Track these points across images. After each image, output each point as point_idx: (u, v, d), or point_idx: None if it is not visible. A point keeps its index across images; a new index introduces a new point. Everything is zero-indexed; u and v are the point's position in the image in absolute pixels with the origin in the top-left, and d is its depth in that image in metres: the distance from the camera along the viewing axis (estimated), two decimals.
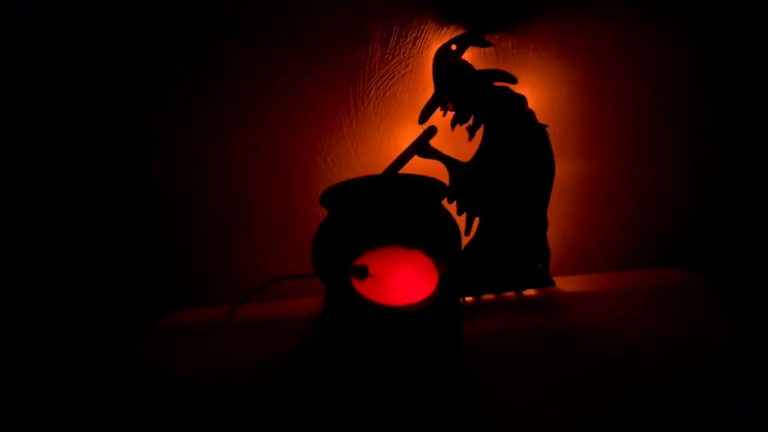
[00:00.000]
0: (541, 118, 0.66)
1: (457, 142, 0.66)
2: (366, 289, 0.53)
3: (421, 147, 0.64)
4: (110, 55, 0.61)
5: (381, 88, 0.66)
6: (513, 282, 0.70)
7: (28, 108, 0.63)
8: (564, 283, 0.72)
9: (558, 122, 0.72)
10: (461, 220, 0.67)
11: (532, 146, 0.67)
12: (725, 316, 0.60)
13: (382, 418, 0.46)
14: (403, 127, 0.69)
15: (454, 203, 0.67)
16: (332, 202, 0.61)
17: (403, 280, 0.56)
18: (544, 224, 0.69)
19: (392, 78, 0.65)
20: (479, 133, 0.66)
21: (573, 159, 0.75)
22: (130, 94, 0.63)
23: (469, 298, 0.69)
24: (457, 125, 0.65)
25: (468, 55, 0.63)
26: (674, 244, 0.81)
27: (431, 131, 0.64)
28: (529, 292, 0.70)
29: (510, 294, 0.70)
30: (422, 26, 0.63)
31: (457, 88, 0.64)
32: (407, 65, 0.65)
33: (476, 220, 0.68)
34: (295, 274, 0.70)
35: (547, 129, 0.66)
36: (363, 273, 0.55)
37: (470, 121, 0.65)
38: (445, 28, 0.63)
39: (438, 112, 0.65)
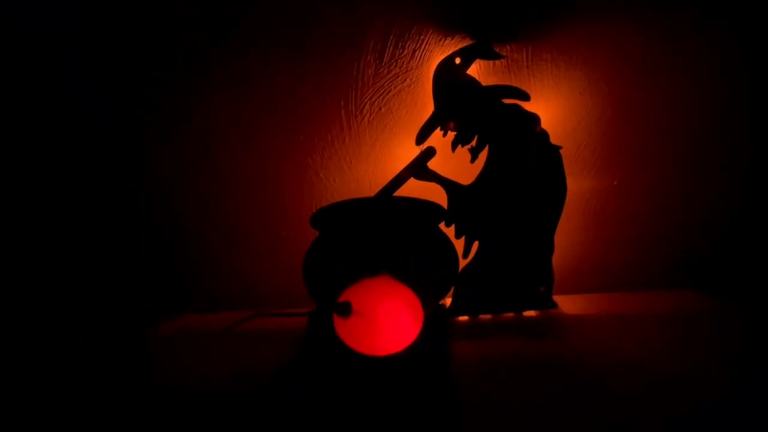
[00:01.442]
0: (556, 134, 0.60)
1: (458, 163, 0.60)
2: (347, 330, 0.51)
3: (418, 169, 0.59)
4: (110, 55, 0.59)
5: (376, 103, 0.60)
6: (512, 303, 0.66)
7: (28, 108, 0.63)
8: (568, 304, 0.68)
9: (575, 138, 0.66)
10: (459, 243, 0.62)
11: (543, 170, 0.61)
12: (737, 343, 0.55)
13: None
14: (399, 145, 0.64)
15: (452, 227, 0.62)
16: (322, 224, 0.59)
17: (388, 319, 0.53)
18: (551, 248, 0.64)
19: (388, 93, 0.60)
20: (482, 155, 0.60)
21: (589, 177, 0.69)
22: (129, 94, 0.61)
23: (464, 318, 0.66)
24: (459, 146, 0.59)
25: (474, 69, 0.56)
26: (690, 265, 0.75)
27: (429, 153, 0.59)
28: (530, 312, 0.66)
29: (509, 315, 0.67)
30: (422, 37, 0.56)
31: (461, 106, 0.58)
32: (404, 80, 0.59)
33: (475, 243, 0.64)
34: (286, 290, 0.68)
35: (561, 150, 0.60)
36: (346, 311, 0.52)
37: (474, 142, 0.59)
38: (448, 38, 0.56)
39: (438, 132, 0.59)
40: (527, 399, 0.46)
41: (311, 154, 0.64)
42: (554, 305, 0.66)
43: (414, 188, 0.59)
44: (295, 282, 0.58)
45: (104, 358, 0.60)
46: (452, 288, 0.63)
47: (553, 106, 0.61)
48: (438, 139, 0.59)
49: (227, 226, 0.70)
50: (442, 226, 0.61)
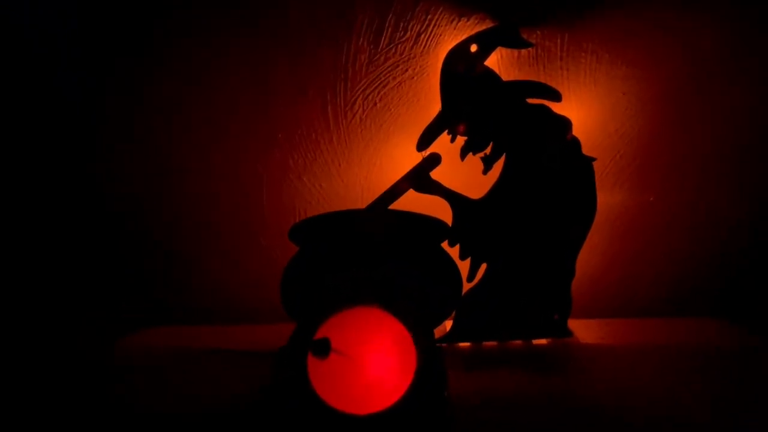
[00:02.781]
0: (589, 142, 0.51)
1: (467, 173, 0.51)
2: (323, 375, 0.43)
3: (419, 179, 0.50)
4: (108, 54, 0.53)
5: (370, 97, 0.51)
6: (520, 330, 0.58)
7: (27, 108, 0.60)
8: (581, 329, 0.61)
9: (611, 146, 0.57)
10: (465, 264, 0.54)
11: (570, 184, 0.51)
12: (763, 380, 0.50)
13: None
14: (397, 148, 0.55)
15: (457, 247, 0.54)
16: (303, 239, 0.50)
17: (374, 362, 0.45)
18: (571, 273, 0.55)
19: (385, 86, 0.50)
20: (497, 165, 0.51)
21: (621, 191, 0.60)
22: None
23: (465, 344, 0.58)
24: (470, 154, 0.50)
25: (494, 59, 0.46)
26: (718, 294, 0.67)
27: (433, 161, 0.50)
28: (540, 341, 0.59)
29: (516, 342, 0.59)
30: (429, 16, 0.46)
31: (474, 104, 0.48)
32: (406, 70, 0.50)
33: (483, 265, 0.55)
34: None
35: (594, 163, 0.50)
36: (324, 350, 0.44)
37: (488, 150, 0.49)
38: (462, 18, 0.46)
39: (444, 136, 0.49)
40: None
41: (292, 155, 0.55)
42: (569, 334, 0.58)
43: (413, 201, 0.50)
44: (274, 295, 0.50)
45: (102, 358, 0.56)
46: (453, 312, 0.55)
47: (588, 108, 0.52)
48: (444, 144, 0.50)
49: (200, 234, 0.62)
50: (445, 245, 0.52)
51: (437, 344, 0.46)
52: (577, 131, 0.49)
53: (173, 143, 0.56)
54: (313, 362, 0.44)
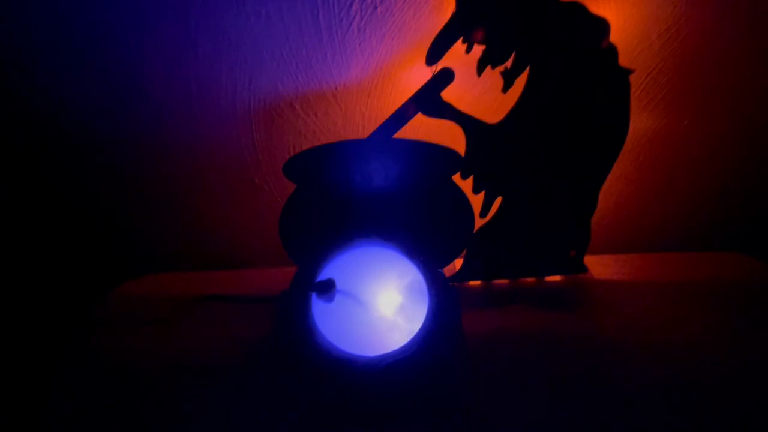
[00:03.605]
0: (626, 51, 0.45)
1: (484, 93, 0.44)
2: (330, 318, 0.39)
3: (429, 100, 0.44)
4: None
5: (368, 0, 0.42)
6: (534, 267, 0.55)
7: None
8: (598, 266, 0.57)
9: (649, 58, 0.49)
10: (477, 198, 0.49)
11: (601, 102, 0.45)
12: None
13: None
14: (403, 64, 0.47)
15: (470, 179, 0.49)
16: (299, 175, 0.45)
17: (384, 303, 0.42)
18: (593, 206, 0.51)
19: None
20: (519, 81, 0.44)
21: (655, 113, 0.54)
22: None
23: (475, 282, 0.55)
24: (488, 67, 0.43)
25: None
26: (744, 228, 0.63)
27: (444, 76, 0.43)
28: (554, 277, 0.56)
29: (528, 279, 0.56)
30: None
31: (494, 4, 0.40)
32: None
33: (498, 200, 0.50)
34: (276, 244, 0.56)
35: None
36: (329, 291, 0.40)
37: (509, 62, 0.42)
38: None
39: (458, 46, 0.42)
40: (543, 375, 0.40)
41: (280, 78, 0.47)
42: (584, 269, 0.54)
43: (421, 127, 0.45)
44: (275, 236, 0.46)
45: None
46: (464, 250, 0.51)
47: (629, 7, 0.43)
48: (458, 56, 0.42)
49: (188, 176, 0.56)
50: (456, 178, 0.47)
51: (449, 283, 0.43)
52: (614, 36, 0.42)
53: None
54: (318, 305, 0.40)
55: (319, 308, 0.40)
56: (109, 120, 0.52)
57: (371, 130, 0.45)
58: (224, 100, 0.50)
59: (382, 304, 0.42)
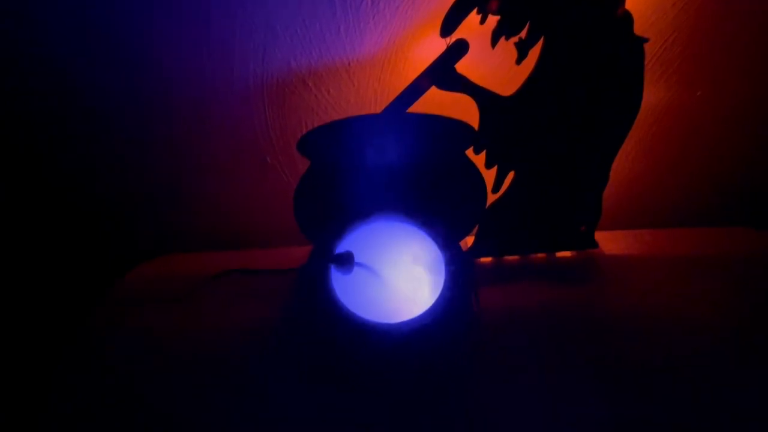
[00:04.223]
0: (640, 21, 0.44)
1: (498, 64, 0.43)
2: (348, 289, 0.40)
3: (442, 73, 0.43)
4: None
5: None
6: (545, 243, 0.55)
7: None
8: (608, 242, 0.57)
9: (664, 27, 0.49)
10: (489, 173, 0.49)
11: (615, 71, 0.44)
12: None
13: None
14: (416, 38, 0.47)
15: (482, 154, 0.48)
16: (313, 151, 0.45)
17: (400, 275, 0.42)
18: (605, 180, 0.51)
19: None
20: (533, 53, 0.43)
21: (669, 84, 0.53)
22: None
23: (487, 258, 0.55)
24: (502, 38, 0.42)
25: None
26: (756, 203, 0.63)
27: (459, 48, 0.42)
28: (564, 253, 0.56)
29: (539, 255, 0.56)
30: None
31: None
32: None
33: (510, 175, 0.50)
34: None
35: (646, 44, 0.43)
36: (347, 263, 0.41)
37: (524, 33, 0.42)
38: None
39: (472, 17, 0.41)
40: (555, 350, 0.40)
41: (293, 53, 0.47)
42: (594, 245, 0.55)
43: (435, 101, 0.44)
44: (288, 217, 0.46)
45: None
46: (476, 226, 0.51)
47: None
48: (473, 27, 0.42)
49: (201, 156, 0.56)
50: (469, 153, 0.47)
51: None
52: (628, 4, 0.41)
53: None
54: (337, 277, 0.41)
55: (337, 279, 0.41)
56: (121, 98, 0.52)
57: (384, 107, 0.45)
58: (237, 77, 0.50)
59: (399, 275, 0.43)
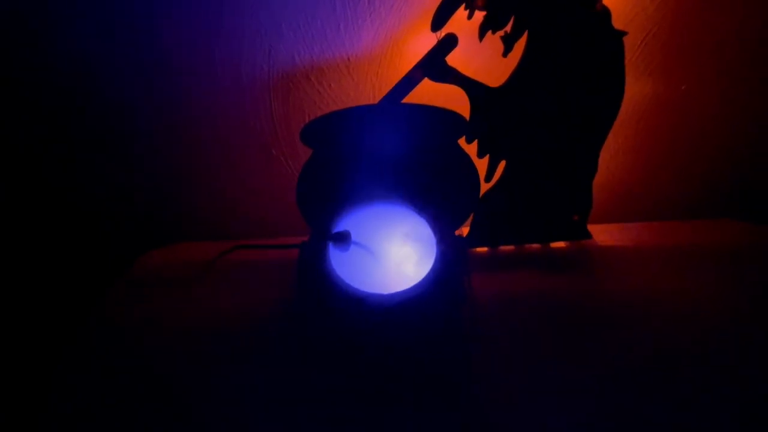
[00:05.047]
0: (620, 16, 0.46)
1: (486, 57, 0.47)
2: (346, 264, 0.42)
3: (434, 65, 0.46)
4: None
5: None
6: (539, 233, 0.56)
7: None
8: (601, 234, 0.58)
9: (644, 22, 0.51)
10: (481, 163, 0.51)
11: (597, 64, 0.47)
12: None
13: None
14: (410, 34, 0.50)
15: (474, 143, 0.51)
16: (314, 139, 0.48)
17: (394, 253, 0.45)
18: (593, 169, 0.53)
19: None
20: (519, 46, 0.46)
21: (652, 79, 0.55)
22: None
23: (482, 249, 0.57)
24: (489, 33, 0.45)
25: None
26: (746, 195, 0.64)
27: (449, 42, 0.45)
28: (559, 244, 0.57)
29: (534, 246, 0.58)
30: None
31: None
32: None
33: (502, 164, 0.52)
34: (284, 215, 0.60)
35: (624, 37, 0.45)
36: (345, 241, 0.43)
37: (508, 27, 0.45)
38: None
39: (460, 12, 0.45)
40: (548, 341, 0.40)
41: (297, 49, 0.51)
42: (588, 235, 0.56)
43: (428, 93, 0.47)
44: (294, 208, 0.49)
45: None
46: (471, 216, 0.53)
47: None
48: (461, 22, 0.45)
49: (208, 148, 0.60)
50: (461, 142, 0.50)
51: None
52: (607, 0, 0.44)
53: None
54: (335, 254, 0.44)
55: (336, 256, 0.44)
56: (133, 90, 0.55)
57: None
58: (245, 71, 0.53)
59: (393, 254, 0.45)
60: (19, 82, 0.54)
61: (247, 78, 0.53)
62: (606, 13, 0.44)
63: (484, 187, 0.52)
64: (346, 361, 0.39)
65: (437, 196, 0.47)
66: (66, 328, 0.47)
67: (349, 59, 0.51)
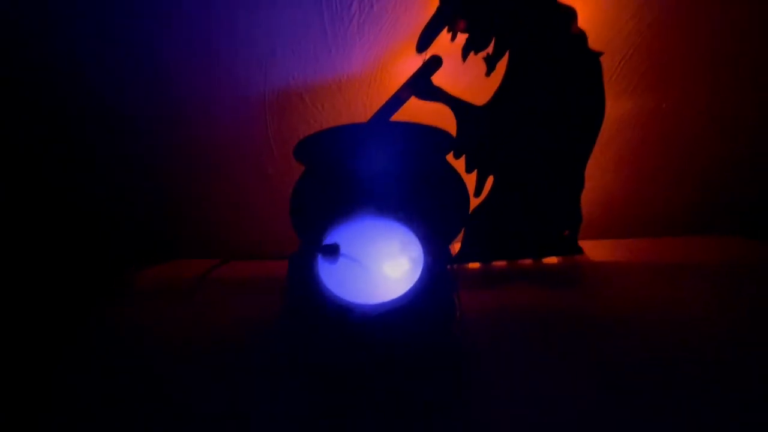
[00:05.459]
0: (597, 38, 0.48)
1: (471, 77, 0.49)
2: (334, 276, 0.43)
3: (420, 85, 0.49)
4: None
5: (366, 0, 0.48)
6: (531, 248, 0.57)
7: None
8: (595, 249, 0.59)
9: (621, 43, 0.53)
10: (471, 179, 0.53)
11: (576, 83, 0.49)
12: None
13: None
14: (398, 56, 0.53)
15: (462, 158, 0.52)
16: (307, 155, 0.50)
17: (383, 265, 0.45)
18: (580, 184, 0.54)
19: None
20: (501, 66, 0.48)
21: (633, 97, 0.57)
22: None
23: (475, 264, 0.58)
24: (471, 54, 0.48)
25: None
26: (739, 210, 0.64)
27: (434, 63, 0.48)
28: (551, 259, 0.58)
29: (526, 261, 0.58)
30: None
31: None
32: None
33: (490, 179, 0.54)
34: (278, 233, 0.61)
35: (601, 58, 0.47)
36: (333, 254, 0.44)
37: (490, 48, 0.47)
38: None
39: (444, 35, 0.47)
40: (542, 354, 0.40)
41: (291, 72, 0.53)
42: (579, 251, 0.57)
43: (416, 110, 0.49)
44: (286, 226, 0.50)
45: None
46: (461, 231, 0.54)
47: None
48: (446, 45, 0.48)
49: (204, 166, 0.62)
50: (450, 158, 0.51)
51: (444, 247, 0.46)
52: (582, 24, 0.47)
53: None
54: (323, 266, 0.45)
55: (324, 268, 0.45)
56: (134, 106, 0.57)
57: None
58: (242, 93, 0.55)
59: (381, 266, 0.46)
60: (19, 82, 0.55)
61: (245, 99, 0.56)
62: (582, 35, 0.47)
63: (474, 202, 0.53)
64: (332, 370, 0.39)
65: (425, 208, 0.48)
66: (66, 328, 0.48)
67: (340, 80, 0.54)
